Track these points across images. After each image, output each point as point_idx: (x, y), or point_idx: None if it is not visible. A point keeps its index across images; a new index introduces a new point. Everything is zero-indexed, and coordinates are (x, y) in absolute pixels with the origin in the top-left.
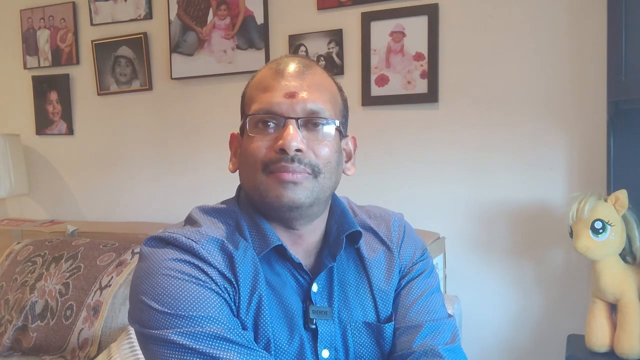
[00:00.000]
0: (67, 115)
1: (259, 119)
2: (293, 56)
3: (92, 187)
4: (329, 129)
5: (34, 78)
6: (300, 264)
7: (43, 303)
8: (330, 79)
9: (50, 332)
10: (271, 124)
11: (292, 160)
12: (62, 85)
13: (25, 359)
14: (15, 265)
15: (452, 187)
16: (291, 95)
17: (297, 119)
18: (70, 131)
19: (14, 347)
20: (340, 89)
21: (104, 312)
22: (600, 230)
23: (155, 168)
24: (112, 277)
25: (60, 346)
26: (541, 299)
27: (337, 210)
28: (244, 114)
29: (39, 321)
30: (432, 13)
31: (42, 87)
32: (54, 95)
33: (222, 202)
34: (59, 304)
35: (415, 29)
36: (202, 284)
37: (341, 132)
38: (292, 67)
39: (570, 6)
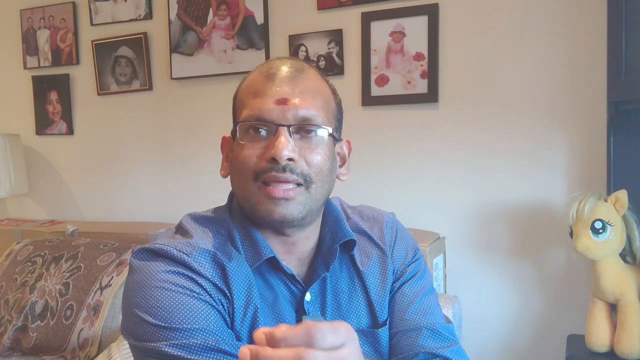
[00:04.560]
0: (67, 115)
1: (249, 125)
2: (284, 59)
3: (92, 187)
4: (322, 136)
5: (34, 78)
6: (292, 275)
7: (43, 303)
8: (324, 81)
9: (50, 332)
10: (262, 131)
11: (284, 169)
12: (62, 85)
13: (25, 359)
14: (15, 265)
15: (452, 187)
16: (282, 101)
17: (288, 127)
18: (70, 131)
19: (14, 347)
20: (334, 92)
21: (104, 312)
22: (600, 230)
23: (155, 168)
24: (112, 277)
25: (60, 346)
26: (541, 299)
27: (330, 218)
28: (235, 118)
29: (39, 321)
30: (432, 13)
31: (42, 87)
32: (54, 95)
33: (214, 210)
34: (59, 304)
35: (415, 29)
36: (195, 296)
37: (335, 137)
38: (283, 71)
39: (570, 6)
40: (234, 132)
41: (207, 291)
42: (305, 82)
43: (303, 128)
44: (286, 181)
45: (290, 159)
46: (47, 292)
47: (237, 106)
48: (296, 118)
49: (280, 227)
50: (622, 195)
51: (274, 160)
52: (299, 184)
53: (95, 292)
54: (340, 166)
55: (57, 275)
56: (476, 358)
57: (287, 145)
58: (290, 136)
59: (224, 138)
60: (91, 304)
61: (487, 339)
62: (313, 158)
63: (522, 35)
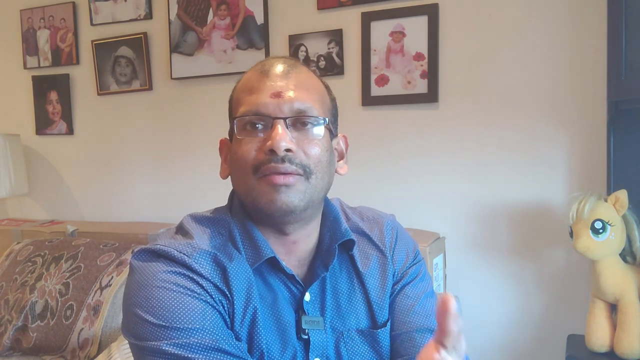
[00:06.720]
0: (67, 115)
1: (246, 121)
2: (278, 57)
3: (92, 187)
4: (319, 128)
5: (34, 78)
6: (293, 275)
7: (43, 303)
8: (317, 78)
9: (50, 332)
10: (259, 126)
11: (283, 160)
12: (62, 85)
13: (25, 359)
14: (15, 265)
15: (452, 187)
16: (277, 95)
17: (285, 119)
18: (70, 131)
19: (14, 347)
20: (327, 88)
21: (104, 312)
22: (600, 230)
23: (155, 168)
24: (112, 277)
25: (60, 346)
26: (541, 299)
27: (329, 218)
28: (231, 118)
29: (39, 321)
30: (432, 13)
31: (42, 87)
32: (54, 95)
33: (215, 210)
34: (59, 304)
35: (415, 29)
36: (196, 296)
37: (331, 131)
38: (277, 67)
39: (570, 6)
40: (231, 132)
41: (207, 291)
42: (298, 76)
43: (299, 120)
44: (286, 172)
45: (288, 150)
46: (47, 292)
47: (233, 105)
48: (292, 110)
49: (281, 220)
50: (622, 195)
51: (272, 152)
52: (298, 174)
53: (95, 292)
54: (339, 161)
55: (57, 275)
56: (476, 358)
57: (284, 137)
58: (287, 128)
59: (221, 141)
60: (91, 304)
61: (487, 339)
62: (311, 149)
63: (522, 35)
